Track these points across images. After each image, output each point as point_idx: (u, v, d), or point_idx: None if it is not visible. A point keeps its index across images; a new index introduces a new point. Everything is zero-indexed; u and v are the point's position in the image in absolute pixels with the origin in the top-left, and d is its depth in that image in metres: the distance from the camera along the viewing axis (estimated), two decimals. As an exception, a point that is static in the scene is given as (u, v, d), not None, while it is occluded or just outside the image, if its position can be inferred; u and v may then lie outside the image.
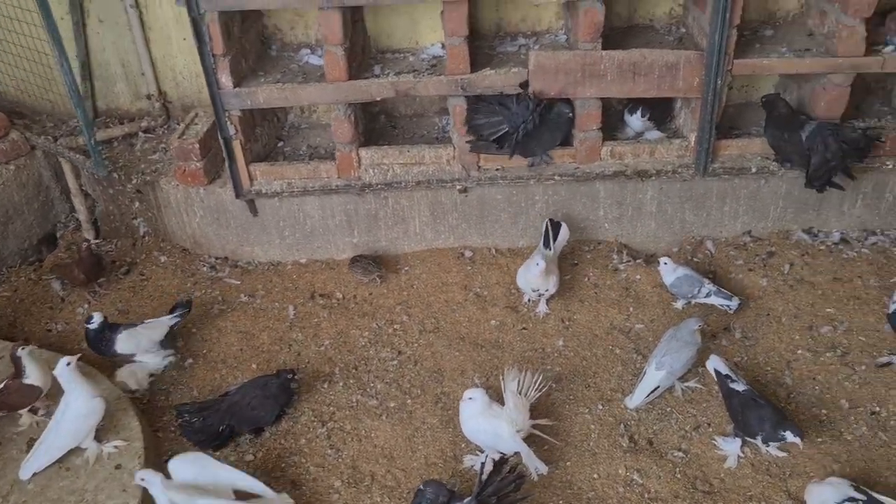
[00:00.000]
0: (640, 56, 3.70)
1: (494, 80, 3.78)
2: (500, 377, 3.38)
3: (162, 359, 3.72)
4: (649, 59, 3.71)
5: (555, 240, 3.99)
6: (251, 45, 4.05)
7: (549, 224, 4.01)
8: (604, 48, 3.73)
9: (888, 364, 3.50)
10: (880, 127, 3.99)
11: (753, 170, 3.99)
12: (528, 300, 3.99)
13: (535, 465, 3.14)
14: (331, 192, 4.13)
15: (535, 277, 3.79)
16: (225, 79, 3.79)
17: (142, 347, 3.64)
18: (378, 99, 3.89)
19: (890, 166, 3.93)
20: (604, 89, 3.79)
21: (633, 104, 4.04)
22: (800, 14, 4.12)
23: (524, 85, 3.77)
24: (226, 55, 3.73)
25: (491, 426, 3.14)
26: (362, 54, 4.09)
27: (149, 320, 3.77)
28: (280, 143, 4.41)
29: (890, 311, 3.48)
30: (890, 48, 3.70)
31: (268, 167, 4.10)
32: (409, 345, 3.88)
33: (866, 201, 4.12)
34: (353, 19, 3.92)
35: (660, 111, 4.16)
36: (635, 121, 4.09)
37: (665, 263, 3.85)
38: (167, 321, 3.74)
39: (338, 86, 3.80)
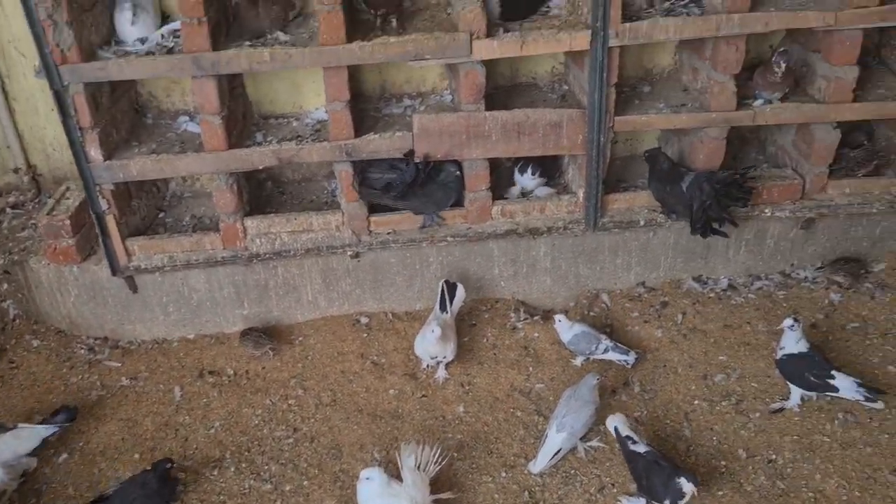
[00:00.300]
0: (524, 116, 3.72)
1: (379, 144, 3.72)
2: (397, 454, 3.24)
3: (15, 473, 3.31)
4: (533, 119, 3.73)
5: (451, 302, 3.92)
6: (123, 114, 3.86)
7: (444, 286, 3.94)
8: (488, 108, 3.73)
9: (780, 410, 3.55)
10: (752, 167, 4.12)
11: (642, 222, 4.04)
12: (427, 366, 3.88)
13: (438, 544, 3.01)
14: (217, 264, 3.95)
15: (432, 345, 3.70)
16: (94, 151, 3.59)
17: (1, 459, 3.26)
18: (260, 167, 3.76)
19: (768, 214, 4.05)
20: (490, 150, 3.78)
21: (523, 162, 4.06)
22: (674, 70, 4.26)
23: (409, 153, 3.72)
24: (94, 127, 3.54)
25: (390, 507, 3.00)
26: (243, 121, 3.96)
27: (22, 425, 3.44)
28: (161, 214, 4.20)
29: (778, 356, 3.55)
30: (759, 102, 3.85)
31: (147, 241, 3.89)
32: (305, 421, 3.70)
33: (749, 247, 4.24)
34: (232, 86, 3.80)
35: (549, 167, 4.19)
36: (526, 179, 4.10)
37: (560, 321, 3.84)
38: (43, 431, 3.41)
39: (217, 155, 3.66)
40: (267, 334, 4.02)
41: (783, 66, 3.69)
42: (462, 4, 3.43)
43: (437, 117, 3.69)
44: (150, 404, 3.81)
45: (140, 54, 3.53)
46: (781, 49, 3.80)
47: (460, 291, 3.96)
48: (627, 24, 3.52)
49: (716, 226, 3.84)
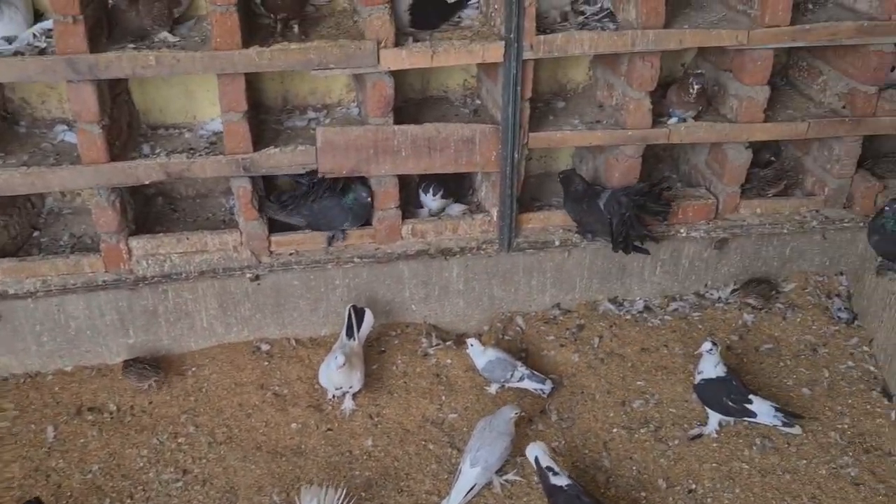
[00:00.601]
0: (435, 130, 3.52)
1: (280, 159, 3.44)
2: (297, 497, 2.96)
3: None
4: (444, 134, 3.54)
5: (359, 328, 3.66)
6: (-11, 122, 3.46)
7: (352, 311, 3.68)
8: (398, 121, 3.52)
9: (699, 436, 3.46)
10: (667, 178, 4.04)
11: (557, 242, 3.90)
12: (333, 397, 3.61)
13: None
14: (98, 289, 3.57)
15: (336, 374, 3.44)
16: (-48, 164, 3.18)
17: None
18: (146, 182, 3.42)
19: (683, 234, 3.98)
20: (399, 166, 3.57)
21: (426, 182, 3.86)
22: (589, 86, 4.16)
23: (312, 172, 3.47)
24: (-49, 137, 3.14)
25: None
26: (128, 131, 3.62)
27: None
28: (36, 234, 3.79)
29: (696, 381, 3.45)
30: (674, 119, 3.78)
31: (15, 264, 3.48)
32: (197, 461, 3.37)
33: (665, 268, 4.16)
34: (115, 92, 3.46)
35: (456, 186, 4.00)
36: (429, 200, 3.89)
37: (472, 345, 3.65)
38: None
39: (96, 169, 3.30)
40: (152, 365, 3.66)
41: (696, 87, 3.65)
42: (369, 12, 3.21)
43: (343, 130, 3.45)
44: (18, 447, 3.39)
45: (5, 55, 3.15)
46: (697, 71, 3.76)
47: (368, 317, 3.71)
48: (542, 37, 3.38)
49: (636, 242, 3.74)
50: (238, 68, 3.19)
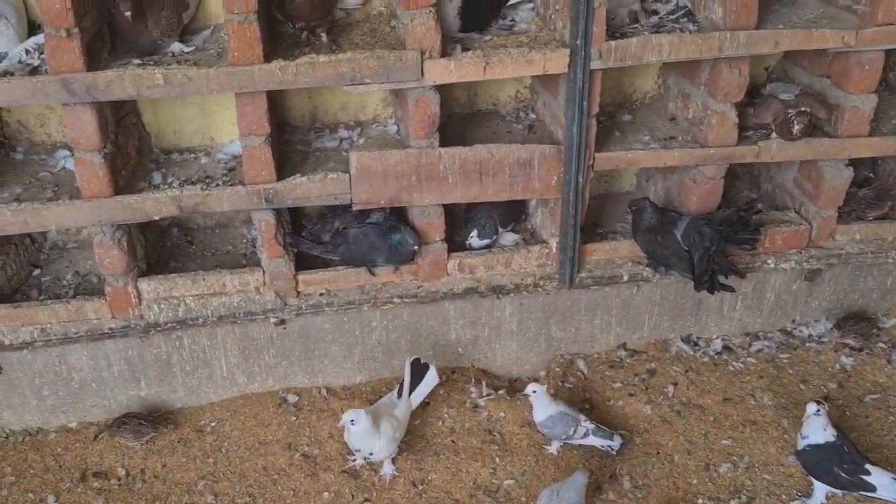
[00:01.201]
0: (487, 153, 3.03)
1: (308, 188, 2.98)
2: None
3: None
4: (497, 157, 3.05)
5: (413, 387, 3.16)
6: (-21, 150, 3.05)
7: (411, 366, 3.18)
8: (443, 142, 3.04)
9: (802, 512, 2.93)
10: (755, 200, 3.54)
11: (625, 277, 3.39)
12: (365, 460, 3.14)
13: None
14: (104, 337, 3.14)
15: (352, 436, 2.95)
16: (-68, 202, 2.76)
17: None
18: (156, 218, 2.98)
19: (771, 265, 3.45)
20: (446, 194, 3.09)
21: (472, 215, 3.36)
22: (658, 96, 3.64)
23: (346, 207, 3.02)
24: (-69, 169, 2.72)
25: None
26: (138, 157, 3.18)
27: None
28: (36, 272, 3.37)
29: (799, 447, 2.92)
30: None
31: (10, 311, 3.05)
32: (216, 538, 2.92)
33: (747, 302, 3.63)
34: (121, 114, 3.02)
35: (507, 210, 3.48)
36: (474, 240, 3.40)
37: (534, 392, 3.12)
38: None
39: (98, 204, 2.87)
40: (150, 419, 3.23)
41: (798, 127, 3.16)
42: (410, 17, 2.73)
43: (381, 155, 2.97)
44: (14, 521, 2.98)
45: (-7, 75, 2.72)
46: (801, 109, 3.20)
47: (431, 376, 3.18)
48: (613, 43, 2.87)
49: (722, 279, 3.22)
50: (259, 86, 2.73)
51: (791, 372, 3.52)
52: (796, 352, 3.62)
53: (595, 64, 2.89)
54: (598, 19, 2.80)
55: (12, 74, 2.72)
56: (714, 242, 3.13)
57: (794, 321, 3.73)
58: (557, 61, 2.85)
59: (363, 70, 2.75)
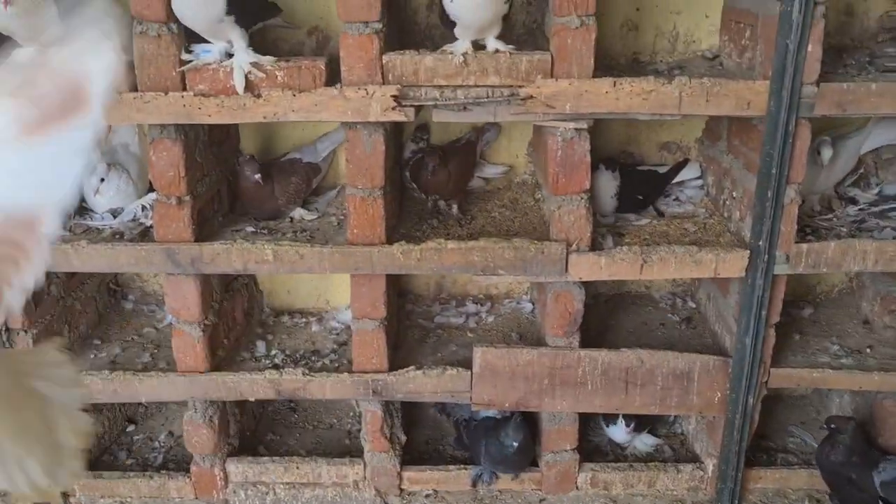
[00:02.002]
0: (637, 360, 2.53)
1: (422, 383, 2.57)
2: None
3: None
4: (649, 365, 2.54)
5: None
6: (87, 301, 2.87)
7: None
8: (583, 328, 2.56)
9: None
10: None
11: (799, 517, 2.74)
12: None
13: None
14: (197, 519, 2.82)
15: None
16: (27, 361, 2.56)
17: None
18: (252, 400, 2.66)
19: None
20: (582, 402, 2.59)
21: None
22: (848, 291, 3.03)
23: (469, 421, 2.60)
24: (30, 328, 2.54)
25: None
26: (245, 320, 2.91)
27: None
28: (131, 428, 3.13)
29: None
30: None
31: (91, 480, 2.78)
32: None
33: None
34: (229, 278, 2.77)
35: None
36: (619, 432, 2.86)
37: None
38: None
39: (192, 380, 2.58)
40: None
41: None
42: (558, 203, 2.33)
43: (509, 353, 2.53)
44: None
45: (104, 233, 2.54)
46: None
47: None
48: (805, 246, 2.35)
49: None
50: (377, 269, 2.39)
51: None
52: None
53: (780, 269, 2.36)
54: (787, 217, 2.30)
55: (122, 236, 2.53)
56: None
57: None
58: (733, 264, 2.35)
59: (497, 260, 2.36)
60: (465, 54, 2.14)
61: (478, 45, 2.19)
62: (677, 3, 2.65)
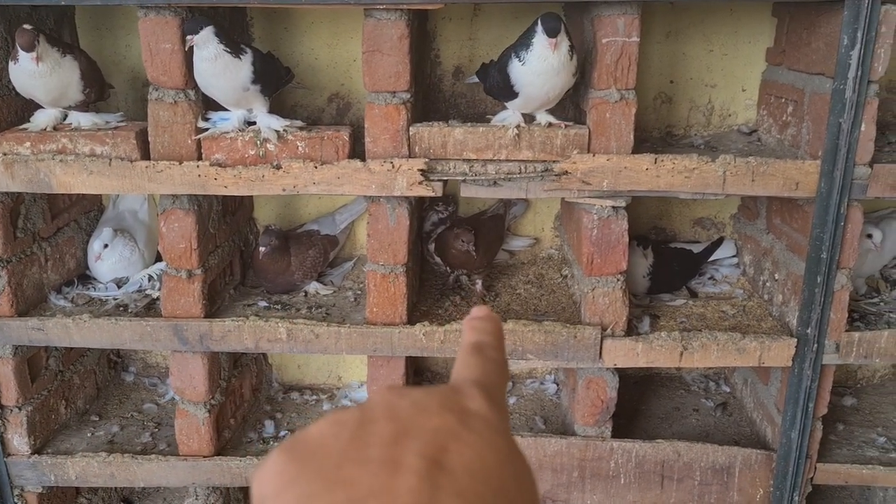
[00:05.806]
0: (673, 452, 2.35)
1: (442, 474, 2.39)
2: None
3: None
4: (686, 458, 2.36)
5: None
6: (85, 375, 2.71)
7: None
8: (613, 426, 2.39)
9: None
10: None
11: None
12: None
13: None
14: None
15: None
16: (19, 440, 2.40)
17: None
18: (258, 487, 2.47)
19: None
20: (614, 497, 2.40)
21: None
22: (891, 377, 2.87)
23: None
24: (23, 405, 2.37)
25: None
26: (253, 397, 2.74)
27: None
28: (127, 508, 2.94)
29: None
30: None
31: (81, 570, 2.59)
32: None
33: None
34: (238, 353, 2.62)
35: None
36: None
37: None
38: None
39: (195, 464, 2.40)
40: None
41: None
42: (592, 284, 2.18)
43: (536, 443, 2.36)
44: None
45: (107, 306, 2.40)
46: None
47: None
48: (857, 335, 2.19)
49: None
50: (396, 351, 2.24)
51: None
52: None
53: (829, 359, 2.21)
54: (837, 304, 2.15)
55: (126, 308, 2.38)
56: None
57: None
58: (779, 353, 2.19)
59: (526, 344, 2.21)
60: (518, 127, 2.01)
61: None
62: (713, 76, 2.55)
